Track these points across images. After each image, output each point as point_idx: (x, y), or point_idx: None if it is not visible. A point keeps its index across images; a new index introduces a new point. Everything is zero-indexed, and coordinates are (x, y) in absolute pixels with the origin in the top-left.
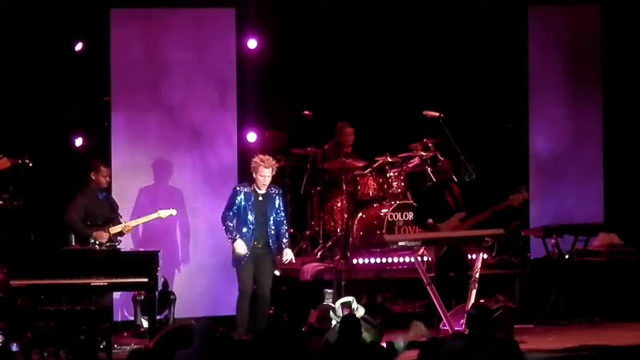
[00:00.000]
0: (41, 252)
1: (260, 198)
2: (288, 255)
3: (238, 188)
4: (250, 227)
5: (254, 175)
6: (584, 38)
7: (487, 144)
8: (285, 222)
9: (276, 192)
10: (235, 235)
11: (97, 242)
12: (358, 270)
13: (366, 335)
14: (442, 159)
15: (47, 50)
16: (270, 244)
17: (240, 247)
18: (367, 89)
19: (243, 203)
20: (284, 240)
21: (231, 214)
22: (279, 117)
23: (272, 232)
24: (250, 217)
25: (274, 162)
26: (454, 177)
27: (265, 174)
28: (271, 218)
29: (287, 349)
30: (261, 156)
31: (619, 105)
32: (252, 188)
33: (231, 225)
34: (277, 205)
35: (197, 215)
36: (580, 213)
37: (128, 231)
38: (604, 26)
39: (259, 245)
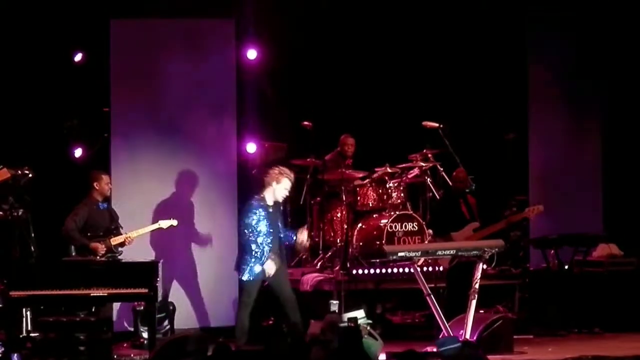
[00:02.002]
0: (41, 262)
1: (271, 210)
2: (303, 234)
3: (252, 206)
4: (270, 240)
5: (273, 185)
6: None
7: (487, 155)
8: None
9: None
10: (265, 258)
11: (98, 255)
12: (358, 281)
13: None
14: (459, 168)
15: (47, 61)
16: (281, 250)
17: (271, 269)
18: (367, 100)
19: (260, 218)
20: (290, 233)
21: (255, 236)
22: (278, 128)
23: (282, 237)
24: (267, 232)
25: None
26: (473, 186)
27: (287, 187)
28: (280, 224)
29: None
30: (283, 168)
31: (618, 117)
32: (263, 201)
33: (256, 248)
34: (281, 210)
35: (196, 225)
36: (580, 224)
37: (130, 242)
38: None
39: (273, 256)
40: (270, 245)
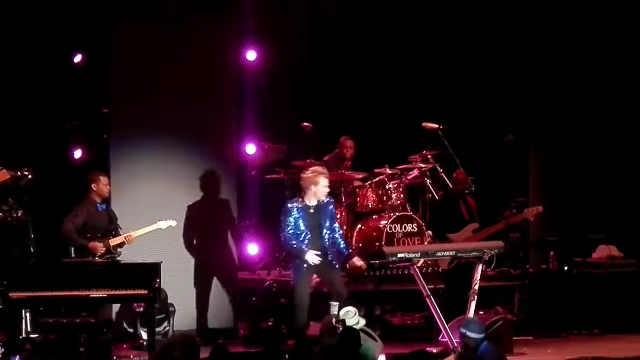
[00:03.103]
0: (41, 264)
1: (312, 210)
2: (358, 262)
3: (290, 206)
4: (306, 242)
5: (312, 188)
6: None
7: (487, 156)
8: (338, 228)
9: (328, 200)
10: (304, 249)
11: (96, 255)
12: (357, 282)
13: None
14: (459, 169)
15: (47, 63)
16: (328, 253)
17: (314, 257)
18: (367, 101)
19: (297, 219)
20: (344, 246)
21: (291, 232)
22: (278, 129)
23: (328, 241)
24: (306, 231)
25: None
26: (473, 187)
27: (326, 184)
28: (325, 227)
29: None
30: (315, 167)
31: (617, 119)
32: (302, 202)
33: (295, 243)
34: (330, 214)
35: (196, 226)
36: (580, 225)
37: (130, 242)
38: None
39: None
40: (310, 242)
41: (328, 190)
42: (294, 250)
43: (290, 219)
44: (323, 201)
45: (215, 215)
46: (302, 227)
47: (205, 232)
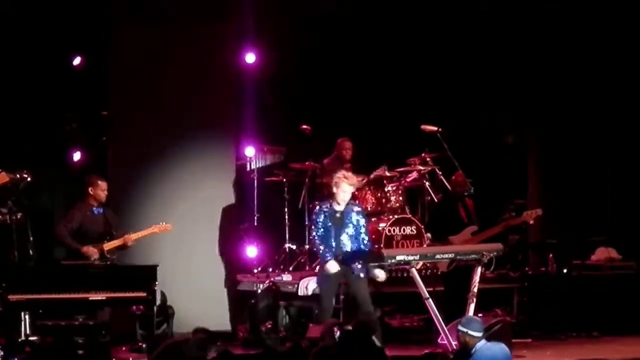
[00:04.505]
0: (40, 266)
1: (338, 215)
2: (381, 275)
3: (318, 206)
4: (332, 245)
5: (334, 190)
6: None
7: (485, 158)
8: (367, 240)
9: (356, 209)
10: (327, 256)
11: (90, 259)
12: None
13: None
14: (458, 172)
15: (46, 65)
16: (355, 264)
17: (333, 267)
18: (365, 103)
19: (325, 220)
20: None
21: (320, 234)
22: (277, 131)
23: (350, 248)
24: (333, 234)
25: (356, 180)
26: (472, 190)
27: (346, 190)
28: (348, 234)
29: None
30: (345, 172)
31: (616, 121)
32: (331, 205)
33: (321, 248)
34: (355, 222)
35: (194, 228)
36: (579, 227)
37: (129, 242)
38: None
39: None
40: (335, 244)
41: (349, 197)
42: (318, 254)
43: (319, 220)
44: (351, 208)
45: (214, 218)
46: (327, 229)
47: (204, 234)
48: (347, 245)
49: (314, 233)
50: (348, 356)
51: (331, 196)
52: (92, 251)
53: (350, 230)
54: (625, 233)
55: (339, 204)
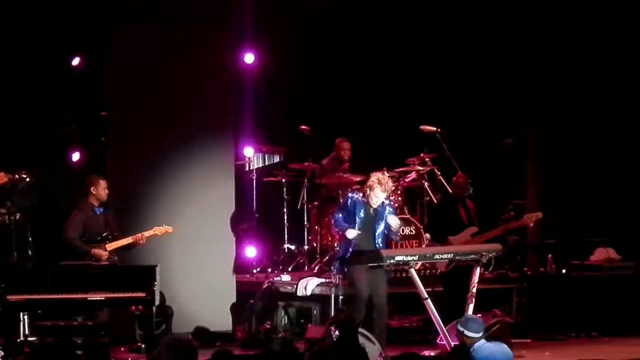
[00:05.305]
0: (38, 267)
1: (372, 211)
2: (395, 220)
3: (350, 195)
4: (359, 229)
5: (369, 191)
6: None
7: (484, 159)
8: (395, 230)
9: (387, 205)
10: (348, 226)
11: (100, 261)
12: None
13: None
14: (459, 173)
15: (45, 66)
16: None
17: (352, 233)
18: (364, 104)
19: (357, 209)
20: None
21: (344, 215)
22: (276, 132)
23: (380, 244)
24: (359, 224)
25: (391, 186)
26: (471, 191)
27: (378, 196)
28: (379, 230)
29: None
30: (381, 177)
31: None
32: (365, 199)
33: (342, 224)
34: (385, 218)
35: (193, 228)
36: (578, 228)
37: (142, 240)
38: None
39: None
40: (361, 235)
41: (380, 202)
42: (339, 228)
43: (348, 203)
44: (385, 207)
45: (213, 218)
46: (357, 219)
47: (203, 234)
48: (375, 239)
49: (338, 214)
50: (337, 355)
51: (367, 193)
52: (102, 254)
53: (381, 227)
54: (624, 233)
55: (371, 205)
